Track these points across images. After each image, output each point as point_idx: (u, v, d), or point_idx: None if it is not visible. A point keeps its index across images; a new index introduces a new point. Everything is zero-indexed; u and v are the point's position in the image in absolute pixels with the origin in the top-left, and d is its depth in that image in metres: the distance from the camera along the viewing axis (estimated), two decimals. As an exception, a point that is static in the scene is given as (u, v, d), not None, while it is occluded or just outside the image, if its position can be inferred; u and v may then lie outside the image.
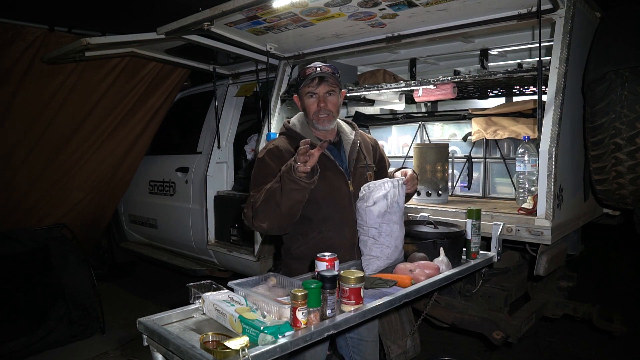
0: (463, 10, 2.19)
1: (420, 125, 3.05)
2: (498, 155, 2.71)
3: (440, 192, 2.57)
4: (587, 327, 3.15)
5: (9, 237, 3.50)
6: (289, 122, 1.97)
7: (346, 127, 2.02)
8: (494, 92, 3.07)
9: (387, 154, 2.25)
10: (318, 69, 1.81)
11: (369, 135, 2.19)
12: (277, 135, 2.00)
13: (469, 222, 1.86)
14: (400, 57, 3.08)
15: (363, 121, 3.37)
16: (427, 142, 3.00)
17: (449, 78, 2.44)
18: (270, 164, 1.80)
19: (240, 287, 1.41)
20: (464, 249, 1.90)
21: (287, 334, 1.14)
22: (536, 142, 2.07)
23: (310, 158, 1.55)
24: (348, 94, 2.89)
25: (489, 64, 2.70)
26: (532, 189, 2.18)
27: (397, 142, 3.18)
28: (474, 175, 2.78)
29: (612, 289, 4.59)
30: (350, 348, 2.04)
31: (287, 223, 1.74)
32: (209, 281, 1.50)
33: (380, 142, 3.27)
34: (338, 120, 1.96)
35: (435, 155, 2.59)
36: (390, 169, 2.11)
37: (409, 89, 2.64)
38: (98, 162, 4.13)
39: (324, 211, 1.82)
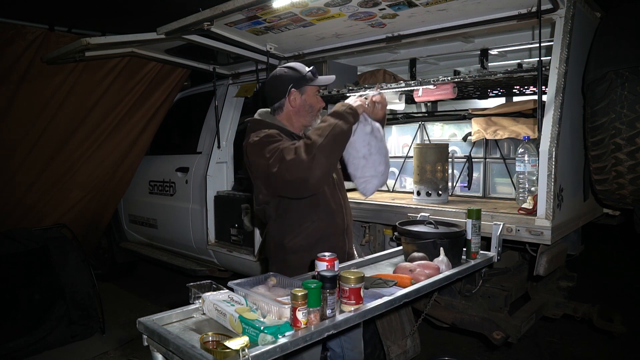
0: (463, 10, 2.19)
1: (420, 125, 3.05)
2: (498, 155, 2.71)
3: (440, 192, 2.57)
4: (587, 327, 3.15)
5: (9, 237, 3.50)
6: (258, 117, 1.92)
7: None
8: (494, 92, 3.07)
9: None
10: (329, 77, 1.97)
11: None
12: (249, 127, 1.91)
13: (469, 222, 1.86)
14: (400, 57, 3.08)
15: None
16: (427, 142, 3.00)
17: (449, 78, 2.44)
18: (276, 136, 1.77)
19: (240, 287, 1.41)
20: (464, 249, 1.90)
21: (287, 334, 1.14)
22: (536, 142, 2.07)
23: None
24: (348, 94, 2.89)
25: (489, 64, 2.70)
26: (532, 189, 2.18)
27: (397, 142, 3.18)
28: (474, 175, 2.77)
29: (612, 289, 4.59)
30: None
31: (331, 172, 1.80)
32: (209, 281, 1.50)
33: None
34: None
35: (435, 155, 2.59)
36: None
37: (409, 89, 2.64)
38: (98, 161, 4.13)
39: (314, 200, 1.82)
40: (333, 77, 1.98)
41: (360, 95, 1.88)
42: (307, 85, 1.88)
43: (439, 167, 2.58)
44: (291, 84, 1.87)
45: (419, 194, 2.60)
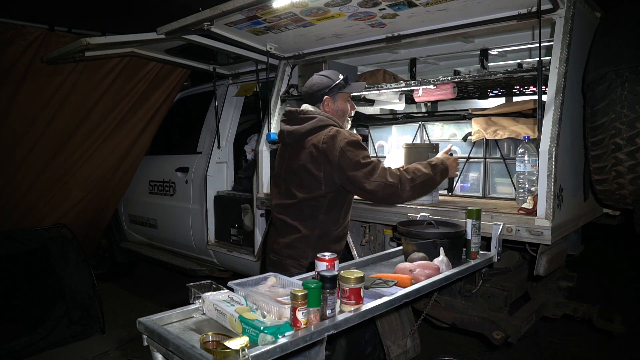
0: (463, 10, 2.19)
1: (420, 125, 3.05)
2: (498, 155, 2.71)
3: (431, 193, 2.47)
4: (587, 327, 3.15)
5: (9, 237, 3.50)
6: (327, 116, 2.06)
7: None
8: (494, 92, 3.07)
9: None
10: (359, 84, 2.27)
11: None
12: (328, 127, 2.01)
13: (469, 222, 1.86)
14: (400, 57, 3.08)
15: (363, 121, 3.37)
16: (427, 141, 3.00)
17: (449, 78, 2.44)
18: (362, 144, 1.99)
19: (240, 287, 1.41)
20: (464, 249, 1.89)
21: (287, 334, 1.14)
22: (536, 142, 2.07)
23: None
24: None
25: (489, 64, 2.70)
26: (532, 189, 2.17)
27: (397, 142, 3.18)
28: (474, 175, 2.78)
29: (612, 289, 4.59)
30: None
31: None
32: (209, 281, 1.50)
33: (378, 142, 3.29)
34: None
35: (424, 156, 2.49)
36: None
37: (409, 89, 2.64)
38: (98, 161, 4.13)
39: (349, 201, 2.11)
40: (364, 84, 2.31)
41: (451, 154, 2.24)
42: (339, 92, 2.07)
43: None
44: (325, 91, 2.05)
45: None
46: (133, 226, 4.79)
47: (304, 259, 1.98)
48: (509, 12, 2.16)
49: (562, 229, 2.08)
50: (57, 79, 3.58)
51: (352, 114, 2.19)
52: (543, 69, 2.04)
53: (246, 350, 1.03)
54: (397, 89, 2.71)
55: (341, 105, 2.10)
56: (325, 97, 2.06)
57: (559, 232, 2.05)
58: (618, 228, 3.08)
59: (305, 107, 2.09)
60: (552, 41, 2.08)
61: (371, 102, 3.35)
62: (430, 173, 2.01)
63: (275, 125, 3.07)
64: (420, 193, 2.03)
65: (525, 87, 2.83)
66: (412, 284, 1.55)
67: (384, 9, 2.22)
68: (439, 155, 2.18)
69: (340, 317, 1.27)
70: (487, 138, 2.64)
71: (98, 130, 3.97)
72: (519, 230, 2.02)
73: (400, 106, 3.23)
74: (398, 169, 2.01)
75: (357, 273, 1.33)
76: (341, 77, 2.07)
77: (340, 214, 2.05)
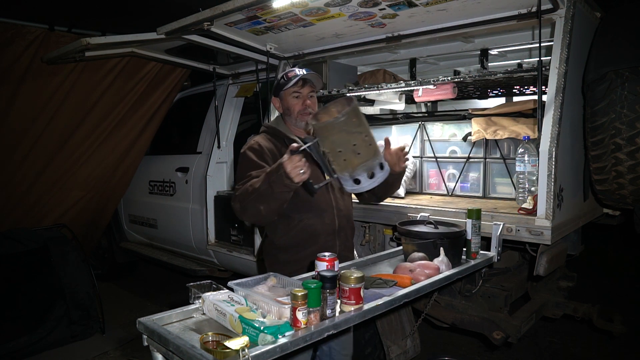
0: (463, 10, 2.19)
1: (420, 125, 3.05)
2: (498, 155, 2.71)
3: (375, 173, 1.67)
4: (587, 327, 3.15)
5: (9, 237, 3.50)
6: (267, 122, 2.10)
7: None
8: (494, 92, 3.07)
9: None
10: (301, 72, 1.96)
11: None
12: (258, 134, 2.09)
13: (469, 222, 1.86)
14: (400, 57, 3.08)
15: (363, 121, 3.37)
16: (426, 140, 2.99)
17: (449, 78, 2.44)
18: (253, 159, 1.92)
19: (240, 287, 1.41)
20: (464, 249, 1.89)
21: (287, 334, 1.14)
22: (536, 142, 2.07)
23: (306, 169, 1.64)
24: (348, 94, 2.89)
25: (489, 64, 2.70)
26: (532, 189, 2.18)
27: (397, 142, 3.17)
28: (474, 175, 2.78)
29: (612, 289, 4.59)
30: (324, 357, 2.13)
31: (274, 216, 1.84)
32: (209, 281, 1.50)
33: (378, 143, 3.29)
34: None
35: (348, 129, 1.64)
36: None
37: (409, 89, 2.64)
38: (98, 161, 4.13)
39: (303, 199, 1.90)
40: (301, 72, 1.95)
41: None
42: (281, 90, 2.00)
43: (364, 137, 1.61)
44: (273, 93, 2.05)
45: (357, 182, 1.65)
46: (133, 226, 4.79)
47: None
48: (509, 12, 2.16)
49: (562, 229, 2.08)
50: (57, 79, 3.58)
51: (306, 109, 1.98)
52: (543, 69, 2.04)
53: (246, 350, 1.03)
54: (397, 89, 2.71)
55: (286, 103, 2.02)
56: (273, 97, 2.08)
57: (559, 232, 2.05)
58: (618, 228, 3.09)
59: None
60: (552, 41, 2.08)
61: (371, 102, 3.35)
62: (258, 188, 1.73)
63: (275, 125, 3.06)
64: (256, 210, 1.76)
65: (525, 87, 2.83)
66: (412, 284, 1.55)
67: (384, 9, 2.22)
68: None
69: (340, 317, 1.27)
70: (487, 138, 2.64)
71: (98, 130, 3.97)
72: (519, 230, 2.02)
73: (400, 106, 3.23)
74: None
75: (357, 273, 1.33)
76: (283, 74, 2.02)
77: (283, 221, 1.93)
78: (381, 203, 2.57)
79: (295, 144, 1.67)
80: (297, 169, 1.62)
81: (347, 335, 2.14)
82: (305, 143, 1.64)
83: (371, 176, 1.62)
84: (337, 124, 1.53)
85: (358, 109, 1.59)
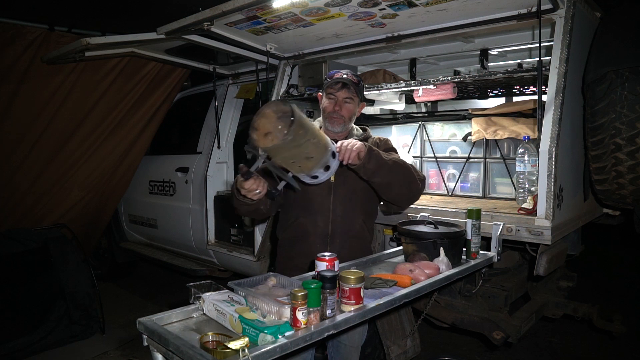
0: (463, 10, 2.19)
1: (420, 125, 3.05)
2: (498, 155, 2.71)
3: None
4: (587, 327, 3.15)
5: (9, 237, 3.50)
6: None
7: (356, 132, 2.10)
8: (494, 92, 3.07)
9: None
10: (344, 76, 1.94)
11: (381, 138, 2.16)
12: None
13: (469, 222, 1.86)
14: (400, 57, 3.08)
15: (363, 121, 3.37)
16: (426, 140, 2.99)
17: (449, 78, 2.44)
18: None
19: (240, 287, 1.41)
20: (464, 249, 1.89)
21: (287, 334, 1.14)
22: (536, 142, 2.07)
23: (261, 188, 1.65)
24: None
25: (489, 64, 2.70)
26: (532, 189, 2.18)
27: (397, 142, 3.18)
28: (474, 175, 2.78)
29: (612, 289, 4.59)
30: (332, 348, 2.14)
31: (259, 217, 1.92)
32: (209, 281, 1.50)
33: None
34: (353, 125, 2.06)
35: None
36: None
37: (409, 89, 2.64)
38: (98, 161, 4.13)
39: (302, 199, 1.92)
40: (344, 75, 1.94)
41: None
42: (324, 88, 1.99)
43: (312, 141, 1.57)
44: (321, 89, 2.03)
45: (315, 177, 1.71)
46: (133, 226, 4.78)
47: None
48: (509, 12, 2.16)
49: (562, 229, 2.08)
50: (57, 79, 3.58)
51: (332, 110, 1.94)
52: (543, 69, 2.04)
53: (246, 350, 1.03)
54: (397, 89, 2.70)
55: (323, 102, 2.01)
56: (318, 94, 2.07)
57: (559, 232, 2.05)
58: (618, 228, 3.09)
59: None
60: (552, 41, 2.08)
61: (371, 102, 3.35)
62: (233, 195, 1.81)
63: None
64: (239, 211, 1.89)
65: (525, 87, 2.83)
66: (412, 284, 1.55)
67: (384, 9, 2.22)
68: None
69: (340, 317, 1.27)
70: (487, 138, 2.64)
71: (98, 130, 3.97)
72: (519, 230, 2.02)
73: (400, 106, 3.23)
74: None
75: (357, 273, 1.33)
76: (330, 73, 2.01)
77: (286, 217, 2.03)
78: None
79: (243, 166, 1.56)
80: (251, 192, 1.65)
81: (359, 327, 2.10)
82: (254, 160, 1.59)
83: (326, 169, 1.69)
84: (285, 145, 1.45)
85: (300, 117, 1.47)
